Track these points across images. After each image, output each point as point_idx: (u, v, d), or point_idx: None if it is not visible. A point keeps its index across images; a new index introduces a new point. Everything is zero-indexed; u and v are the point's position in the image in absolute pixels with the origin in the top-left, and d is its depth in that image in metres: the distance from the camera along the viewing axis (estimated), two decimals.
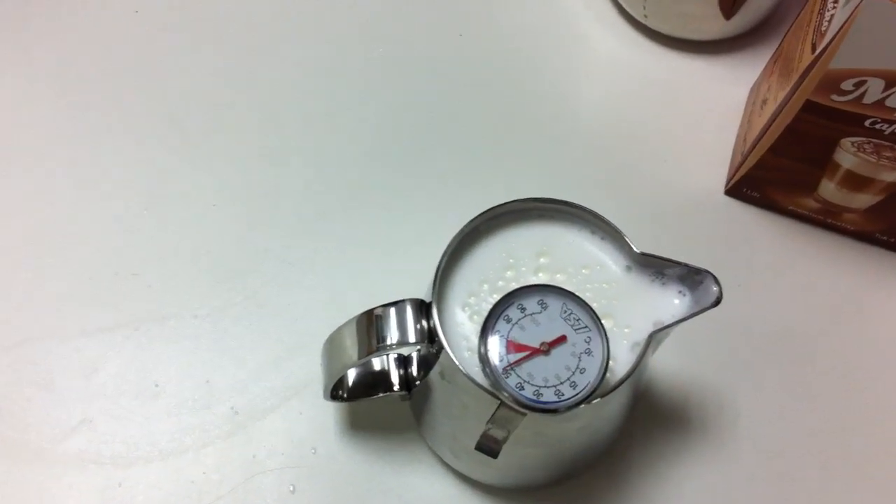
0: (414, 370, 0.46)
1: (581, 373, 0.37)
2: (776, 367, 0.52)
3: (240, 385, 0.51)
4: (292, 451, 0.49)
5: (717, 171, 0.58)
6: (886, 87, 0.44)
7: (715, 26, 0.60)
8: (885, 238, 0.55)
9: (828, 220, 0.55)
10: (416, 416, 0.49)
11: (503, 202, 0.42)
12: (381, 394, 0.47)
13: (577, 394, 0.37)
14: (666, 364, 0.51)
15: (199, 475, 0.48)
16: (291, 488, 0.48)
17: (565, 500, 0.48)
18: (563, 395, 0.37)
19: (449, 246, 0.41)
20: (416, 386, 0.46)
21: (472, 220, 0.41)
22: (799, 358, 0.53)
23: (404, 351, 0.47)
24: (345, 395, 0.47)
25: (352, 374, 0.48)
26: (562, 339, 0.38)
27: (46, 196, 0.56)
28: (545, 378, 0.37)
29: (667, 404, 0.51)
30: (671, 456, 0.50)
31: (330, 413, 0.50)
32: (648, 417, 0.50)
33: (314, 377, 0.50)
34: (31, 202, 0.56)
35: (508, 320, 0.38)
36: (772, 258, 0.56)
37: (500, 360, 0.37)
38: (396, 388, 0.47)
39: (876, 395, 0.52)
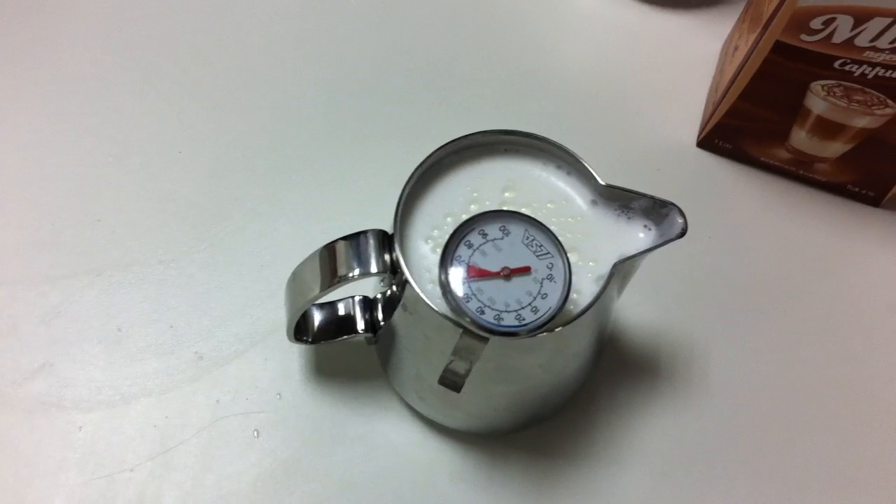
0: (379, 314, 0.46)
1: (543, 298, 0.37)
2: (748, 317, 0.52)
3: (204, 331, 0.50)
4: (257, 396, 0.49)
5: (690, 124, 0.58)
6: (855, 25, 0.43)
7: None
8: (856, 189, 0.54)
9: (800, 172, 0.55)
10: (381, 360, 0.48)
11: (467, 133, 0.41)
12: (346, 337, 0.46)
13: (537, 318, 0.36)
14: (635, 314, 0.51)
15: (161, 420, 0.48)
16: (255, 433, 0.48)
17: (531, 445, 0.48)
18: (524, 319, 0.36)
19: (411, 177, 0.40)
20: (381, 328, 0.45)
21: (435, 152, 0.41)
22: (770, 309, 0.52)
23: (370, 291, 0.47)
24: (309, 339, 0.47)
25: (317, 318, 0.47)
26: (525, 270, 0.37)
27: (8, 141, 0.55)
28: (506, 303, 0.37)
29: (636, 354, 0.51)
30: (638, 405, 0.49)
31: (295, 359, 0.49)
32: (616, 366, 0.50)
33: (280, 324, 0.49)
34: None
35: (469, 246, 0.37)
36: (743, 210, 0.55)
37: (461, 285, 0.37)
38: (361, 329, 0.46)
39: (845, 344, 0.52)
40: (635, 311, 0.51)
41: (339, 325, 0.47)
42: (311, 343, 0.47)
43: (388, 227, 0.42)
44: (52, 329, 0.50)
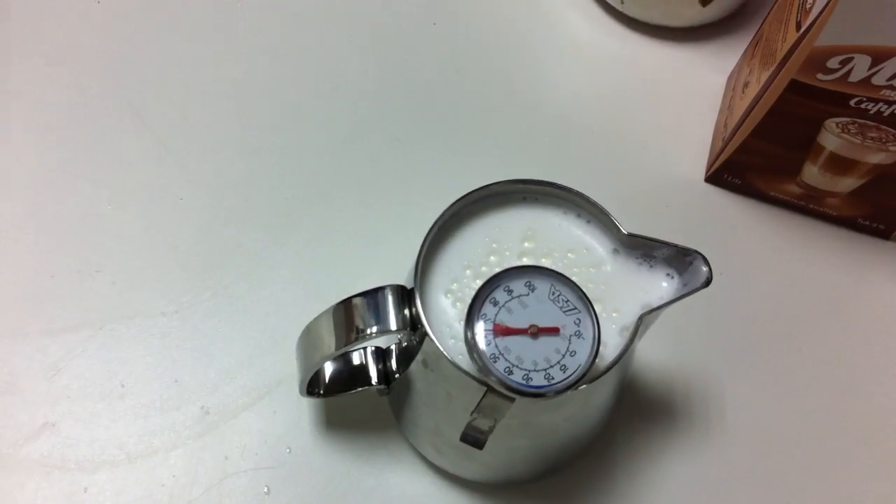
0: (393, 364, 0.45)
1: (571, 355, 0.36)
2: (761, 355, 0.51)
3: (210, 384, 0.49)
4: (266, 451, 0.47)
5: (697, 159, 0.57)
6: (873, 64, 0.43)
7: (691, 13, 0.59)
8: (866, 223, 0.54)
9: (810, 206, 0.54)
10: (395, 412, 0.47)
11: (486, 184, 0.40)
12: (359, 388, 0.45)
13: (567, 377, 0.35)
14: (649, 356, 0.50)
15: (168, 478, 0.46)
16: (266, 490, 0.46)
17: (549, 495, 0.47)
18: (553, 378, 0.35)
19: (431, 229, 0.39)
20: (395, 379, 0.44)
21: (454, 203, 0.40)
22: (784, 346, 0.52)
23: (383, 342, 0.46)
24: (321, 392, 0.45)
25: (328, 370, 0.46)
26: (554, 330, 0.36)
27: (4, 190, 0.54)
28: (534, 362, 0.36)
29: (651, 397, 0.50)
30: (656, 449, 0.48)
31: (305, 411, 0.48)
32: (632, 410, 0.49)
33: (288, 375, 0.48)
34: None
35: (495, 303, 0.36)
36: (753, 245, 0.55)
37: (488, 345, 0.36)
38: (375, 381, 0.45)
39: (862, 381, 0.51)
40: (647, 350, 0.50)
41: (352, 377, 0.46)
42: (323, 396, 0.46)
43: (397, 274, 0.41)
44: (53, 386, 0.48)
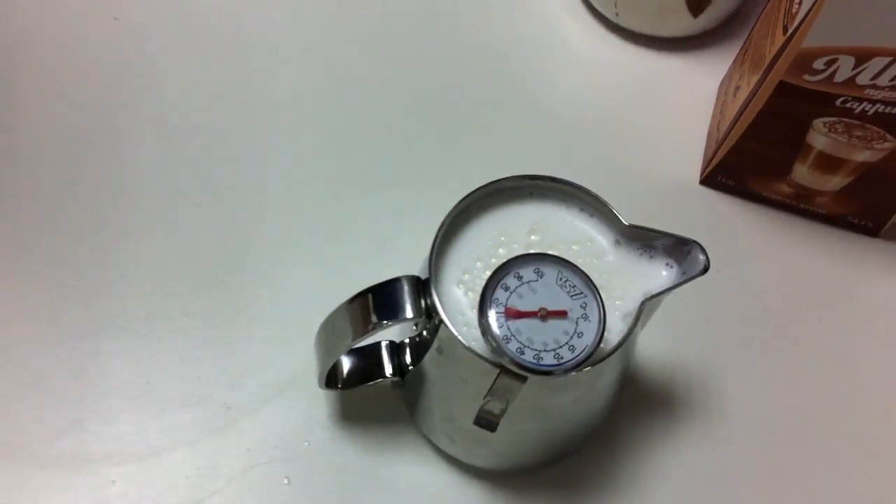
0: (407, 357, 0.47)
1: (579, 337, 0.38)
2: (758, 348, 0.54)
3: (231, 381, 0.51)
4: (286, 444, 0.49)
5: (692, 163, 0.59)
6: (857, 65, 0.45)
7: (683, 23, 0.61)
8: (855, 221, 0.56)
9: (801, 205, 0.56)
10: (409, 405, 0.49)
11: (496, 179, 0.42)
12: (375, 381, 0.47)
13: (575, 356, 0.38)
14: (650, 349, 0.52)
15: (193, 471, 0.48)
16: (286, 481, 0.48)
17: (556, 482, 0.49)
18: (562, 358, 0.38)
19: (444, 222, 0.41)
20: (409, 372, 0.46)
21: (466, 197, 0.42)
22: (780, 339, 0.54)
23: (396, 336, 0.48)
24: (339, 385, 0.47)
25: (346, 365, 0.48)
26: (562, 314, 0.39)
27: (30, 197, 0.56)
28: (544, 343, 0.38)
29: (652, 389, 0.52)
30: (658, 438, 0.50)
31: (322, 406, 0.50)
32: (635, 402, 0.51)
33: (305, 371, 0.50)
34: (14, 202, 0.56)
35: (506, 289, 0.39)
36: (748, 244, 0.57)
37: (500, 327, 0.38)
38: (389, 373, 0.47)
39: (855, 374, 0.53)
40: (648, 344, 0.52)
41: (367, 371, 0.48)
42: (341, 389, 0.48)
43: (408, 270, 0.43)
44: (81, 384, 0.50)
